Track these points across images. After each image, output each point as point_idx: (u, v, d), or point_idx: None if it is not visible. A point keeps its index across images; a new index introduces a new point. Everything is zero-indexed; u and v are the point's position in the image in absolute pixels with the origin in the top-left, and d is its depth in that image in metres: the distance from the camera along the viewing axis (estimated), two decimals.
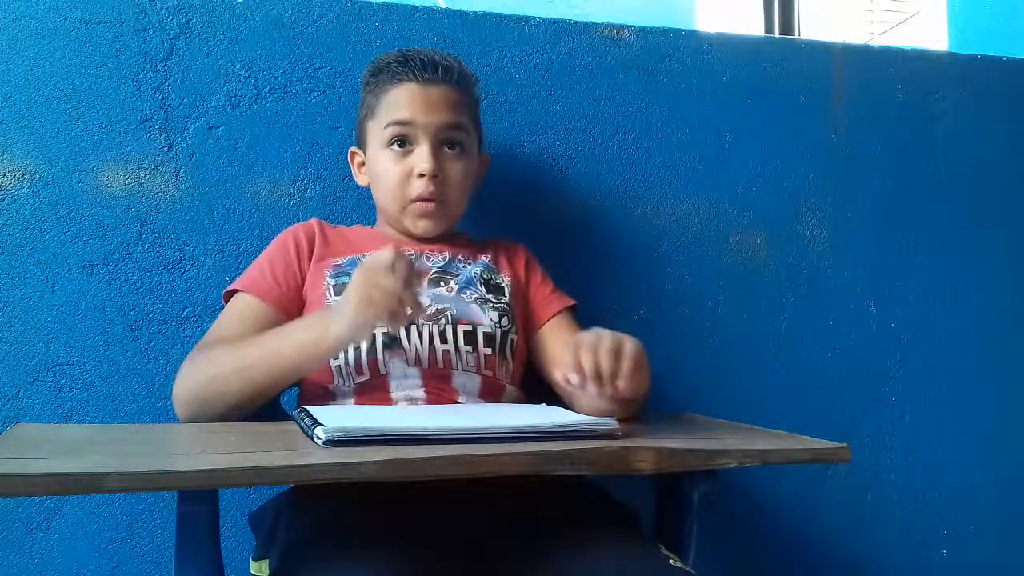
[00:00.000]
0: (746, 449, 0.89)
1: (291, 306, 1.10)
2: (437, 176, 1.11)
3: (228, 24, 1.30)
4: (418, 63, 1.13)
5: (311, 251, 1.13)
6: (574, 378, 0.87)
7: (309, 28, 1.32)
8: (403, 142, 1.12)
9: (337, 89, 1.33)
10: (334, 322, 0.94)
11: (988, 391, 1.57)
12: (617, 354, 0.88)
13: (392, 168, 1.13)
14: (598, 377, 0.87)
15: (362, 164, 1.21)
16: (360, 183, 1.23)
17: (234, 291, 1.11)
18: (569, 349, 0.90)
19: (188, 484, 0.72)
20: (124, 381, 1.25)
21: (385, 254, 0.90)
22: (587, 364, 0.87)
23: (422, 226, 1.15)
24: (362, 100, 1.19)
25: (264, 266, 1.12)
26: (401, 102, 1.12)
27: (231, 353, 0.99)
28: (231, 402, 0.97)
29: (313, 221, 1.18)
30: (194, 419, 0.99)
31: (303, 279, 1.12)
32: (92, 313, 1.24)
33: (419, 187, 1.12)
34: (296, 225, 1.18)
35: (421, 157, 1.11)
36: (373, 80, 1.16)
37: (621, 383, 0.87)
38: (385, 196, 1.15)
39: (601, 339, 0.89)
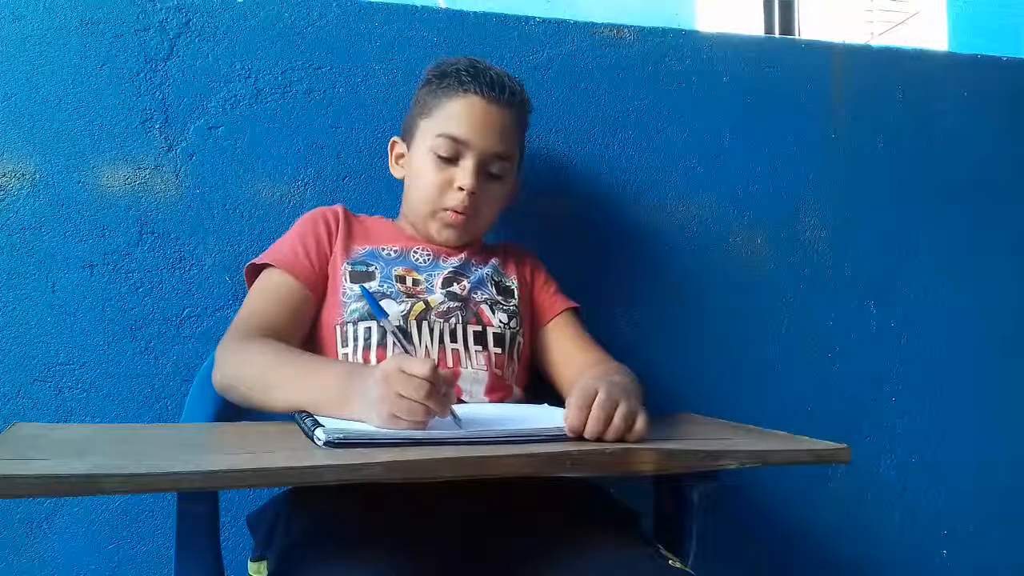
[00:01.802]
0: (746, 450, 0.89)
1: (320, 286, 1.11)
2: (475, 194, 1.12)
3: (228, 24, 1.30)
4: (487, 79, 1.12)
5: (337, 233, 1.15)
6: (569, 435, 0.85)
7: (309, 28, 1.32)
8: (453, 151, 1.11)
9: (337, 89, 1.33)
10: (356, 408, 0.87)
11: (988, 391, 1.57)
12: (626, 430, 0.85)
13: (433, 173, 1.12)
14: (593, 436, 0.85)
15: (400, 156, 1.21)
16: (395, 174, 1.22)
17: (262, 265, 1.11)
18: (581, 396, 0.86)
19: (188, 485, 0.72)
20: (124, 381, 1.25)
21: (420, 366, 0.81)
22: (592, 431, 0.84)
23: (445, 235, 1.15)
24: (418, 96, 1.18)
25: (296, 244, 1.12)
26: (462, 115, 1.12)
27: (264, 365, 0.98)
28: (255, 405, 0.98)
29: (339, 207, 1.19)
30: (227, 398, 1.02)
31: (329, 259, 1.13)
32: (92, 313, 1.24)
33: (455, 199, 1.12)
34: (324, 208, 1.18)
35: (465, 173, 1.11)
36: (437, 81, 1.15)
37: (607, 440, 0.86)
38: (418, 197, 1.15)
39: (617, 410, 0.85)
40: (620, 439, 0.85)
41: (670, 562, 0.89)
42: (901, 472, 1.53)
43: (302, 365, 0.97)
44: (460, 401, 1.04)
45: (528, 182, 1.36)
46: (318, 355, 1.07)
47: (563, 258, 1.33)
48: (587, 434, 0.85)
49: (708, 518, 0.97)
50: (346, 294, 1.09)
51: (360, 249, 1.14)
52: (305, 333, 1.10)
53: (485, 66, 1.15)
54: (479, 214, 1.15)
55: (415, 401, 0.81)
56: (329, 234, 1.14)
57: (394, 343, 1.04)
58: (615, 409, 0.85)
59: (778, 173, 1.50)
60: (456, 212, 1.13)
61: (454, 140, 1.11)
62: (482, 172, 1.12)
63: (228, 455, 0.79)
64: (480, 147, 1.12)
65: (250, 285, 1.12)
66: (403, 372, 0.81)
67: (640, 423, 0.86)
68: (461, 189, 1.11)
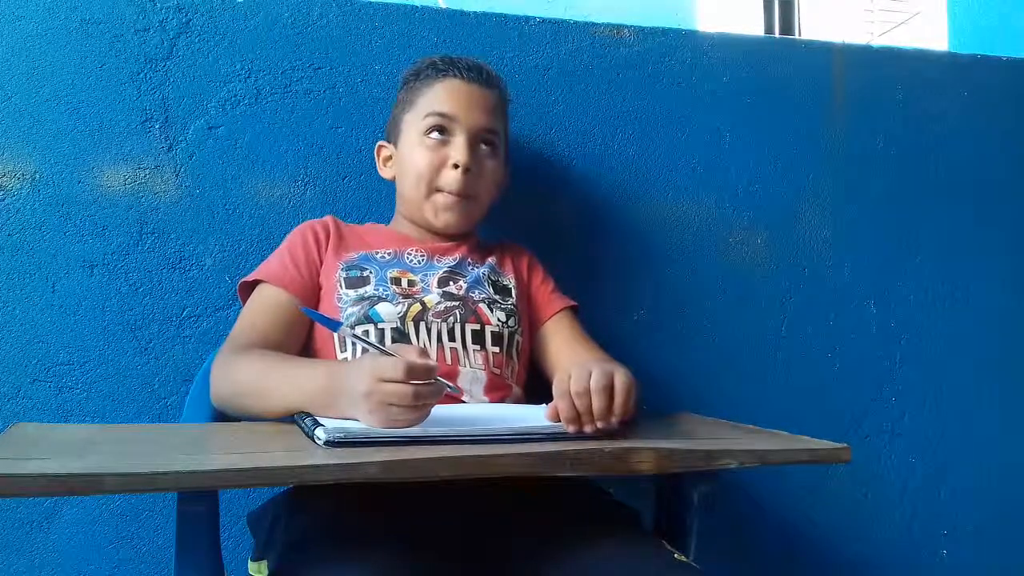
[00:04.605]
0: (746, 449, 0.89)
1: (312, 297, 1.11)
2: (470, 170, 1.12)
3: (228, 24, 1.30)
4: (464, 64, 1.15)
5: (327, 243, 1.15)
6: (571, 429, 0.85)
7: (309, 28, 1.32)
8: (441, 131, 1.13)
9: (337, 89, 1.33)
10: (343, 410, 0.86)
11: (988, 391, 1.57)
12: (609, 391, 0.85)
13: (425, 155, 1.13)
14: (591, 417, 0.85)
15: (388, 158, 1.22)
16: (384, 176, 1.23)
17: (254, 282, 1.11)
18: (558, 387, 0.86)
19: (188, 484, 0.72)
20: (124, 381, 1.25)
21: (394, 370, 0.80)
22: (581, 406, 0.85)
23: (444, 219, 1.15)
24: (399, 97, 1.21)
25: (285, 257, 1.13)
26: (444, 96, 1.14)
27: (255, 374, 0.98)
28: (253, 415, 0.98)
29: (328, 218, 1.19)
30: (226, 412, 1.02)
31: (320, 269, 1.13)
32: (92, 313, 1.24)
33: (450, 179, 1.13)
34: (312, 220, 1.19)
35: (457, 149, 1.12)
36: (414, 77, 1.18)
37: (614, 420, 0.86)
38: (412, 184, 1.15)
39: (591, 377, 0.85)
40: (609, 398, 0.85)
41: (675, 556, 0.89)
42: (901, 472, 1.53)
43: (288, 369, 0.97)
44: (460, 401, 1.04)
45: (528, 182, 1.36)
46: (305, 358, 1.06)
47: (563, 258, 1.33)
48: (573, 394, 0.84)
49: (708, 518, 0.97)
50: (341, 299, 1.09)
51: (354, 255, 1.14)
52: (300, 345, 1.09)
53: (458, 56, 1.18)
54: (475, 195, 1.15)
55: (404, 407, 0.81)
56: (318, 244, 1.14)
57: (370, 346, 1.02)
58: (590, 376, 0.85)
59: (778, 173, 1.50)
60: (452, 193, 1.13)
61: (442, 116, 1.13)
62: (474, 148, 1.13)
63: (228, 455, 0.79)
64: (468, 122, 1.13)
65: (244, 303, 1.12)
66: (382, 380, 0.81)
67: (620, 379, 0.86)
68: (456, 166, 1.12)
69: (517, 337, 1.14)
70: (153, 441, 0.89)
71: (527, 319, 1.19)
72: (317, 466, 0.72)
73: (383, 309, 1.07)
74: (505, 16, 1.40)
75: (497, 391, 1.08)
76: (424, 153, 1.14)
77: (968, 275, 1.57)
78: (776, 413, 1.45)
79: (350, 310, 1.08)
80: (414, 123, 1.15)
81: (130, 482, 0.67)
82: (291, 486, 0.96)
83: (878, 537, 1.52)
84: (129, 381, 1.25)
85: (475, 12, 1.38)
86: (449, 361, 1.06)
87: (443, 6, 1.47)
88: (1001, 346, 1.58)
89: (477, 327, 1.10)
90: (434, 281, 1.13)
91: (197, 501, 0.87)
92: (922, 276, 1.55)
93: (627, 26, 1.44)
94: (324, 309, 1.10)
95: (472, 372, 1.07)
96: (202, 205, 1.28)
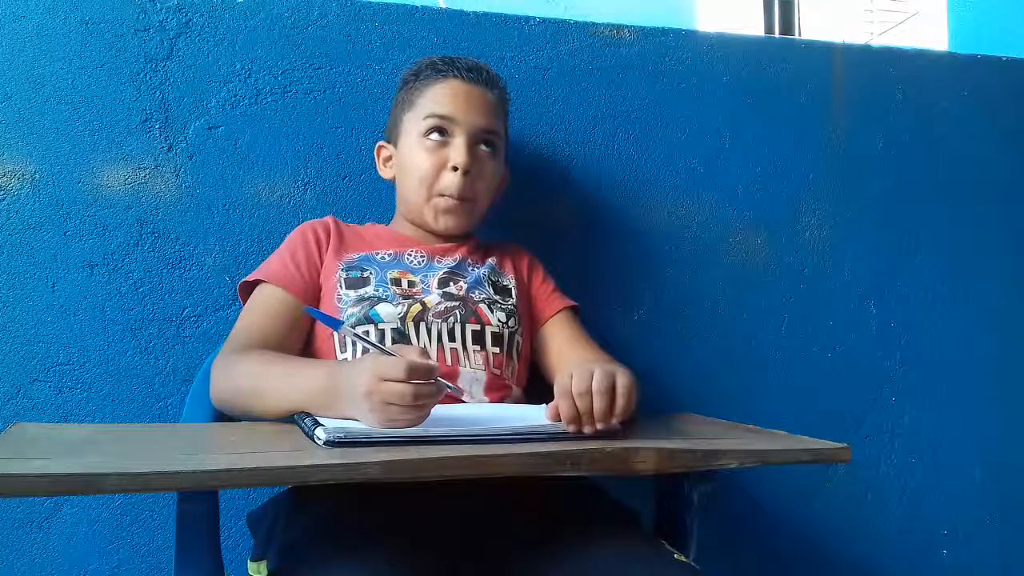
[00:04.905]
0: (746, 449, 0.89)
1: (314, 296, 1.11)
2: (469, 173, 1.12)
3: (228, 24, 1.30)
4: (464, 64, 1.15)
5: (327, 244, 1.15)
6: (571, 429, 0.86)
7: (309, 28, 1.32)
8: (441, 132, 1.13)
9: (337, 89, 1.33)
10: (343, 410, 0.87)
11: (988, 391, 1.57)
12: (611, 392, 0.85)
13: (425, 157, 1.13)
14: (592, 417, 0.85)
15: (388, 159, 1.22)
16: (384, 176, 1.23)
17: (254, 282, 1.11)
18: (559, 387, 0.86)
19: (188, 484, 0.72)
20: (124, 381, 1.25)
21: (395, 370, 0.80)
22: (582, 406, 0.85)
23: (444, 222, 1.15)
24: (399, 97, 1.20)
25: (286, 257, 1.13)
26: (444, 97, 1.14)
27: (255, 374, 0.98)
28: (253, 416, 0.97)
29: (328, 218, 1.19)
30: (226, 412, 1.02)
31: (320, 270, 1.13)
32: (92, 313, 1.24)
33: (450, 182, 1.12)
34: (312, 220, 1.19)
35: (457, 151, 1.12)
36: (414, 77, 1.18)
37: (615, 421, 0.86)
38: (412, 186, 1.15)
39: (593, 377, 0.85)
40: (611, 399, 0.85)
41: (675, 556, 0.89)
42: (901, 472, 1.53)
43: (288, 369, 0.97)
44: (460, 401, 1.04)
45: (528, 182, 1.36)
46: (305, 358, 1.06)
47: (563, 258, 1.33)
48: (575, 394, 0.84)
49: (708, 518, 0.97)
50: (341, 300, 1.09)
51: (354, 255, 1.14)
52: (300, 345, 1.09)
53: (458, 56, 1.18)
54: (475, 197, 1.15)
55: (404, 407, 0.81)
56: (319, 244, 1.14)
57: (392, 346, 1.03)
58: (592, 376, 0.85)
59: (778, 173, 1.50)
60: (452, 197, 1.13)
61: (442, 118, 1.13)
62: (473, 150, 1.13)
63: (228, 455, 0.79)
64: (468, 123, 1.13)
65: (244, 303, 1.12)
66: (383, 380, 0.81)
67: (622, 380, 0.86)
68: (455, 169, 1.12)
69: (517, 337, 1.14)
70: (153, 441, 0.89)
71: (527, 319, 1.19)
72: (317, 466, 0.71)
73: (383, 310, 1.07)
74: (505, 16, 1.40)
75: (497, 391, 1.08)
76: (424, 155, 1.13)
77: (968, 275, 1.57)
78: (776, 413, 1.45)
79: (350, 311, 1.08)
80: (414, 124, 1.15)
81: (130, 482, 0.67)
82: (291, 486, 0.96)
83: (878, 537, 1.52)
84: (129, 381, 1.25)
85: (475, 12, 1.38)
86: (449, 361, 1.06)
87: (443, 6, 1.47)
88: (1001, 346, 1.58)
89: (477, 327, 1.10)
90: (434, 282, 1.13)
91: (197, 501, 0.87)
92: (922, 276, 1.55)
93: (627, 26, 1.44)
94: (324, 309, 1.10)
95: (472, 372, 1.07)
96: (202, 205, 1.28)
